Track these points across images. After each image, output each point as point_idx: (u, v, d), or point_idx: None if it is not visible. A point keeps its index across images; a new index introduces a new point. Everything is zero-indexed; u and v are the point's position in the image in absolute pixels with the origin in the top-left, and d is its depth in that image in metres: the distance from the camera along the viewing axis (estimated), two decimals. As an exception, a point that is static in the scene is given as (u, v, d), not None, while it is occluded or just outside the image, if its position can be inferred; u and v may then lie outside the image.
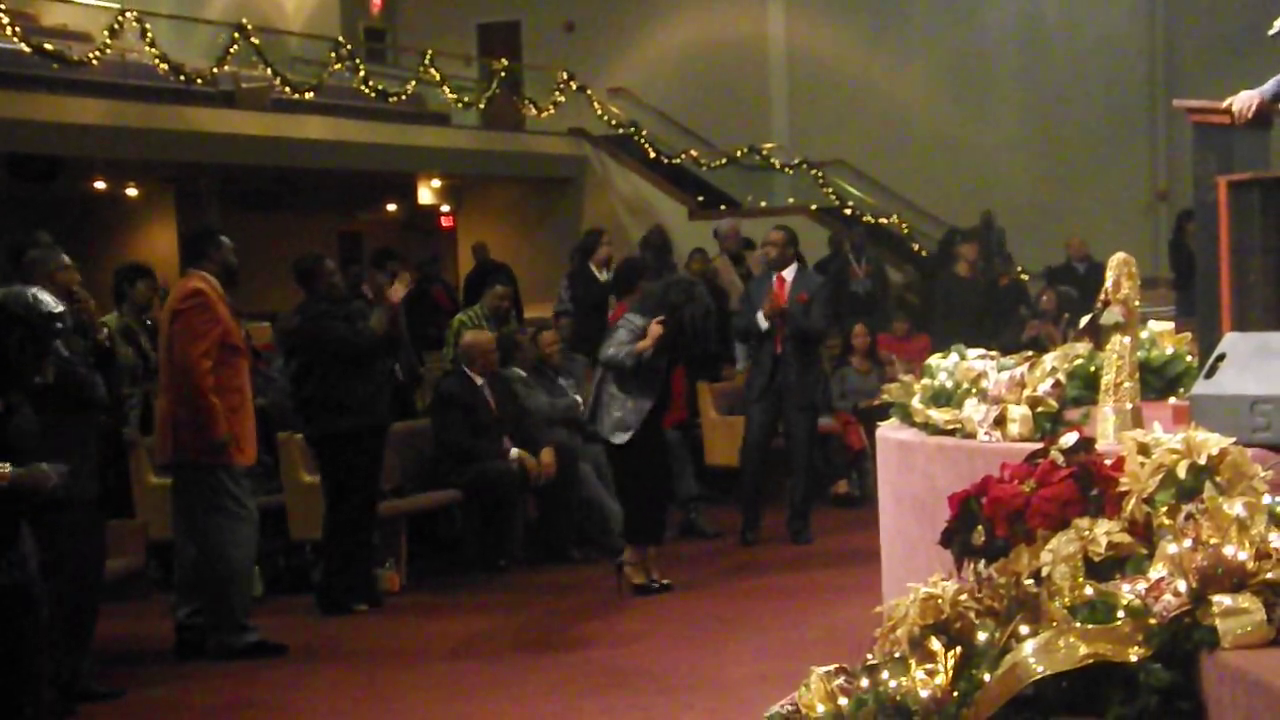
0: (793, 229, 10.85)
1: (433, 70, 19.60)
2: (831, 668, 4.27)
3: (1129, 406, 5.56)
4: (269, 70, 17.42)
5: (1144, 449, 4.13)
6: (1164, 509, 3.93)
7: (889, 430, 6.65)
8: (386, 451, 9.06)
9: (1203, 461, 3.96)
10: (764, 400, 10.12)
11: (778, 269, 10.27)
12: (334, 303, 8.77)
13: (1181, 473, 3.96)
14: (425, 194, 21.78)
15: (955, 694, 3.94)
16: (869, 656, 4.39)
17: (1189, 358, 6.47)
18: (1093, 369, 6.10)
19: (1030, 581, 4.03)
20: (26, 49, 15.24)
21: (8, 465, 5.30)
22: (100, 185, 19.27)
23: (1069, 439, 4.31)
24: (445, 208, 22.45)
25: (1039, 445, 5.58)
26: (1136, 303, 5.82)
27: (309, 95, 17.99)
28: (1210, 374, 5.33)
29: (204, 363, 7.55)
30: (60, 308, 5.67)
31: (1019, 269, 16.31)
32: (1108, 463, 4.18)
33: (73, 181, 18.19)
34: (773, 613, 8.23)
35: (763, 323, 10.02)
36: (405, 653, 7.81)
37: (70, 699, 6.89)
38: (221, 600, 7.71)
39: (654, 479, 8.89)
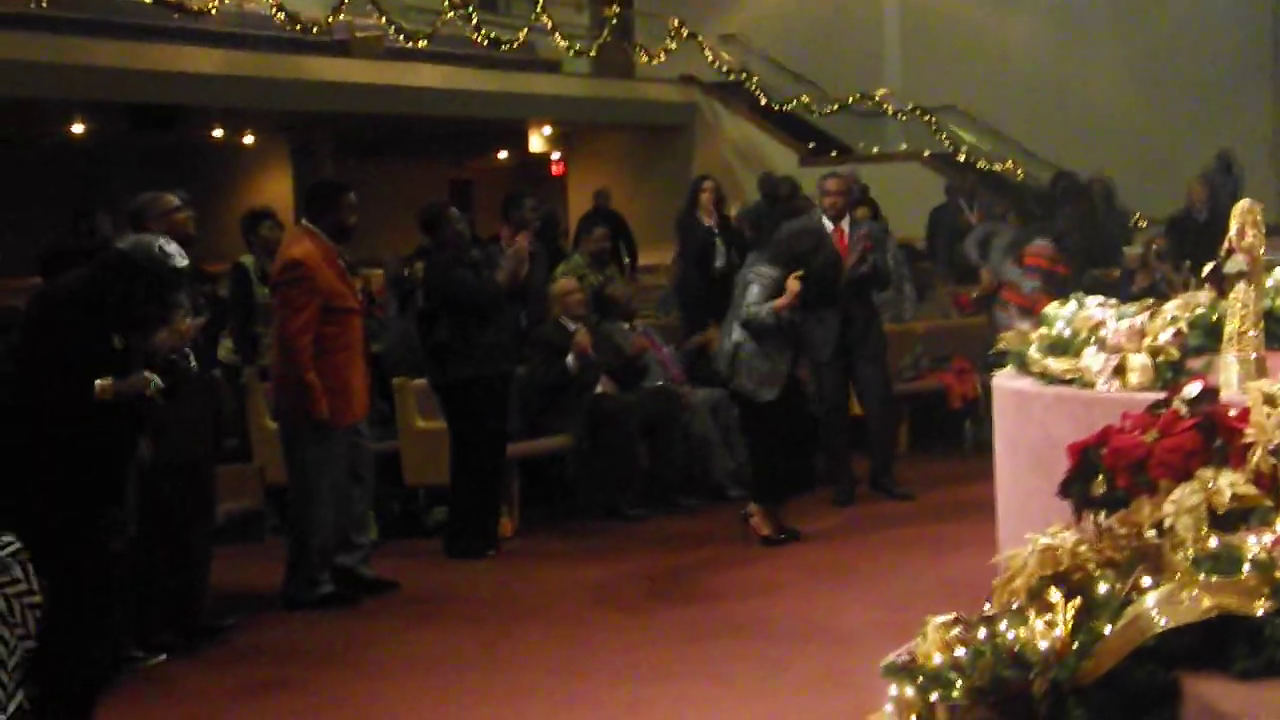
0: (853, 176, 10.51)
1: (544, 17, 19.59)
2: (948, 618, 4.24)
3: (1253, 356, 5.46)
4: (383, 19, 17.49)
5: (1270, 399, 4.05)
6: (1291, 460, 3.87)
7: (1005, 379, 6.58)
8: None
9: (1333, 412, 3.88)
10: (836, 360, 9.80)
11: (837, 221, 9.97)
12: (459, 250, 8.82)
13: (1309, 423, 3.88)
14: (536, 141, 21.81)
15: (1074, 645, 3.90)
16: (986, 607, 4.36)
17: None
18: (1215, 318, 5.99)
19: (1152, 533, 3.98)
20: (147, 0, 15.44)
21: (109, 379, 5.42)
22: (217, 134, 19.49)
23: (1193, 389, 4.24)
24: (556, 155, 22.47)
25: (1160, 395, 5.54)
26: (1261, 251, 5.72)
27: (422, 43, 18.05)
28: (1337, 323, 5.23)
29: (302, 338, 7.56)
30: (184, 260, 5.76)
31: (1136, 215, 16.02)
32: (1232, 413, 4.11)
33: (191, 130, 18.43)
34: (888, 564, 8.19)
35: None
36: (520, 599, 7.88)
37: (191, 639, 7.04)
38: (297, 553, 7.80)
39: (792, 435, 8.74)
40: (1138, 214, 16.19)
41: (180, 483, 6.97)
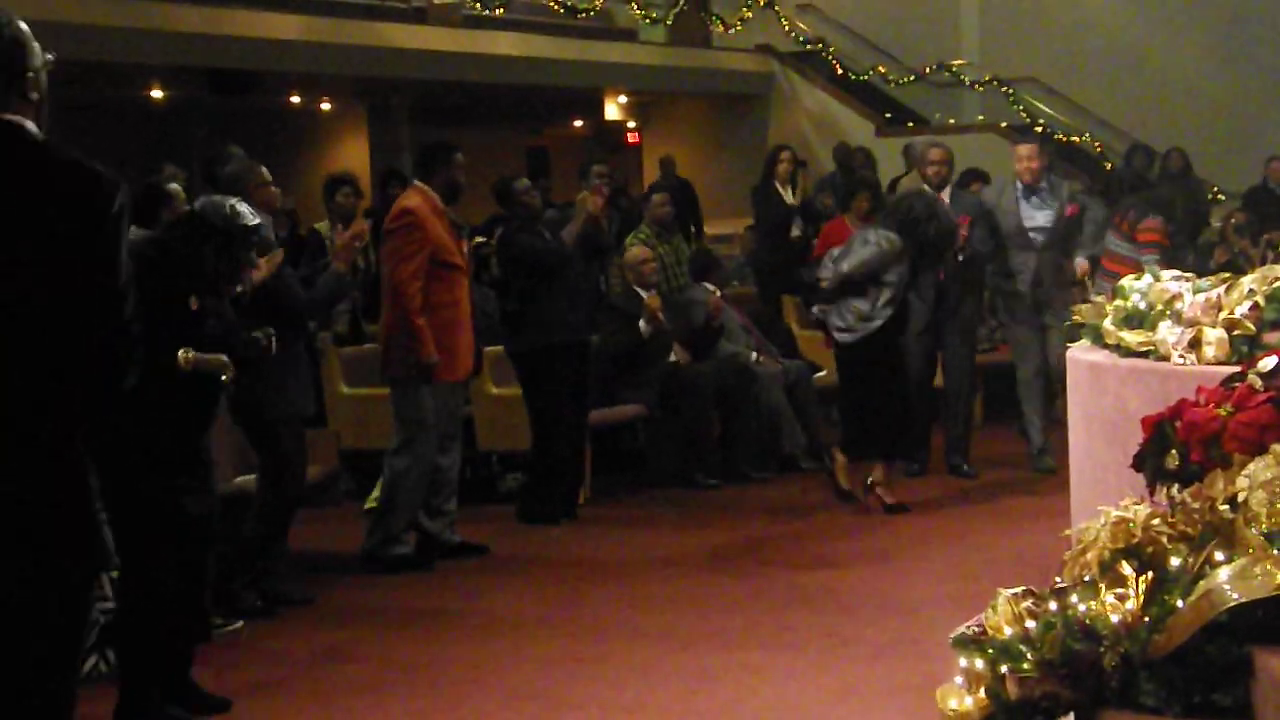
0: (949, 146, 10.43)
1: (621, -15, 19.58)
2: (1019, 590, 4.24)
3: (1330, 331, 5.42)
4: (460, -14, 17.54)
5: (1349, 375, 4.03)
6: (1368, 436, 3.84)
7: (1079, 352, 6.55)
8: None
9: None
10: (927, 333, 9.70)
11: (940, 189, 9.88)
12: (531, 218, 8.88)
13: (1386, 399, 3.85)
14: (612, 110, 21.81)
15: (1146, 619, 3.90)
16: (1057, 580, 4.36)
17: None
18: (1293, 292, 5.93)
19: (1225, 507, 3.96)
20: (226, -35, 15.54)
21: (191, 351, 5.50)
22: (295, 100, 19.61)
23: (1268, 363, 4.21)
24: (632, 124, 22.47)
25: (1235, 369, 5.50)
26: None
27: (499, 11, 18.09)
28: None
29: (412, 284, 7.66)
30: (257, 220, 5.83)
31: (1214, 189, 15.84)
32: (1309, 388, 4.08)
33: (269, 96, 18.54)
34: (959, 536, 8.19)
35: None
36: (592, 565, 7.94)
37: (269, 602, 7.14)
38: (385, 510, 7.88)
39: (900, 391, 8.81)
40: (1215, 188, 16.01)
41: (299, 435, 7.15)
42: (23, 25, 3.36)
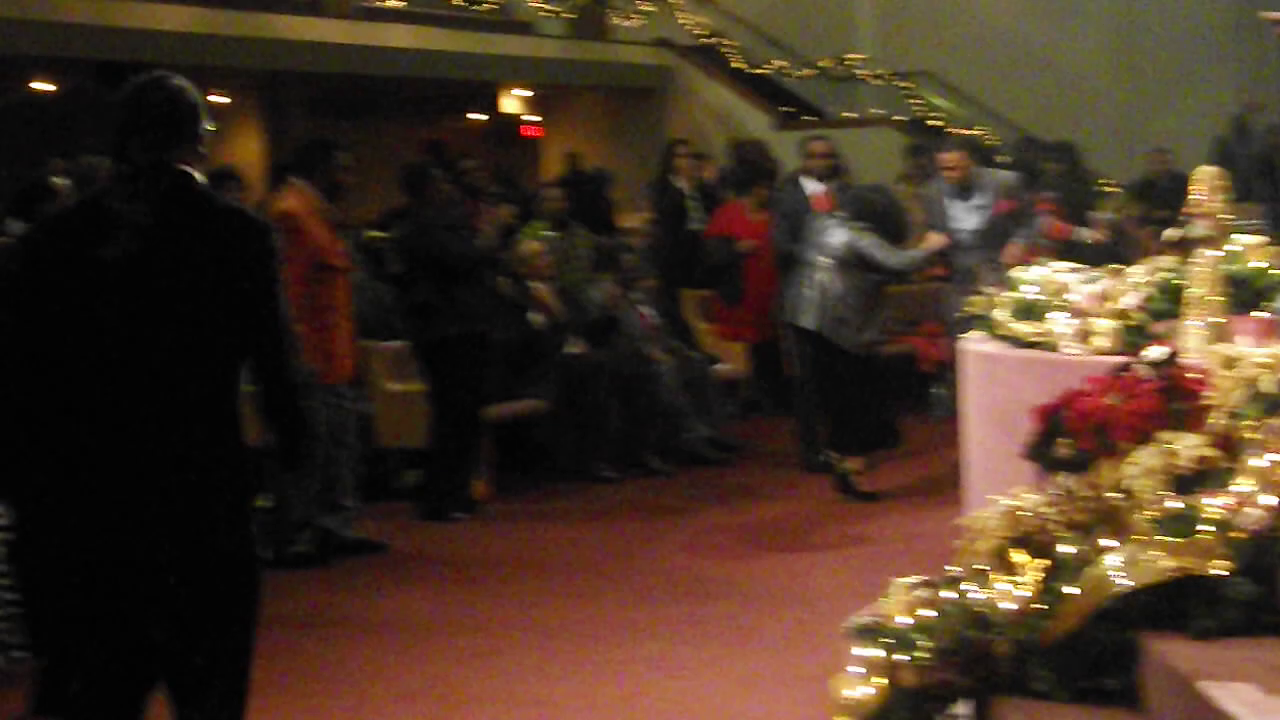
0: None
1: (518, -22, 19.51)
2: (914, 579, 4.29)
3: (1215, 320, 5.52)
4: (354, -23, 17.39)
5: (1230, 363, 4.11)
6: (1250, 423, 3.92)
7: (973, 343, 6.64)
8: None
9: (1291, 376, 3.93)
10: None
11: (824, 182, 10.06)
12: (442, 210, 8.81)
13: (1269, 386, 3.93)
14: (510, 103, 21.73)
15: (1038, 606, 3.96)
16: (949, 569, 4.41)
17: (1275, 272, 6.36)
18: (1178, 283, 6.03)
19: (1114, 494, 4.04)
20: (114, -44, 15.30)
21: None
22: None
23: (1154, 352, 4.29)
24: (529, 117, 22.40)
25: (1128, 360, 5.59)
26: (1223, 216, 5.77)
27: (394, 2, 17.96)
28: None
29: (289, 290, 7.52)
30: None
31: (1106, 181, 16.05)
32: (1192, 376, 4.16)
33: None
34: (854, 526, 8.25)
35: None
36: (494, 561, 7.90)
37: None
38: (277, 511, 7.79)
39: (876, 388, 8.96)
40: (1108, 180, 16.22)
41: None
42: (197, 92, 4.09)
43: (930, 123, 20.30)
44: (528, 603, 7.03)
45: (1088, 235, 11.41)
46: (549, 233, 10.80)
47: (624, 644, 6.29)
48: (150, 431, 3.81)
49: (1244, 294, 6.28)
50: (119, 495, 3.81)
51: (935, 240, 8.90)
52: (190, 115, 4.03)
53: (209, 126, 4.08)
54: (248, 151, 19.37)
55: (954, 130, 19.88)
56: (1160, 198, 13.47)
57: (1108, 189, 15.86)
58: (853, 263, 8.70)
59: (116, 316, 3.80)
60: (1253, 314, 6.06)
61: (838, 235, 8.78)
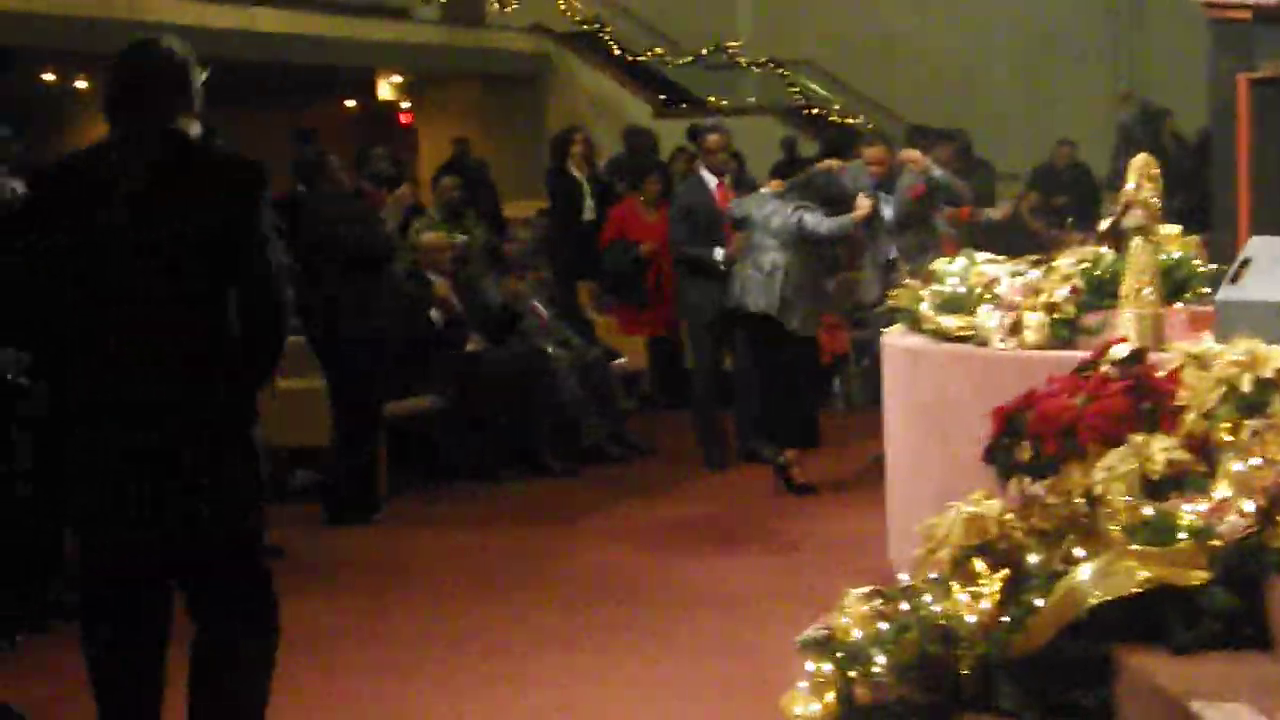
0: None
1: (392, -39, 19.13)
2: (867, 590, 4.07)
3: (1151, 313, 5.39)
4: (222, -41, 16.93)
5: (1200, 361, 3.94)
6: (1226, 425, 3.75)
7: (895, 337, 6.45)
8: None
9: (1269, 375, 3.76)
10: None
11: (720, 175, 9.85)
12: (344, 201, 8.45)
13: (1245, 386, 3.76)
14: (384, 89, 21.34)
15: (1004, 619, 3.76)
16: (902, 578, 4.20)
17: (1194, 262, 6.26)
18: (1107, 273, 5.89)
19: (1082, 501, 3.85)
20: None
21: None
22: (49, 77, 18.78)
23: (1121, 349, 4.11)
24: (404, 104, 22.02)
25: (1057, 353, 5.43)
26: (1157, 205, 5.65)
27: (266, -14, 17.51)
28: (1235, 279, 5.15)
29: None
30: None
31: (1000, 171, 16.10)
32: (1161, 375, 3.99)
33: (25, 73, 17.71)
34: (775, 527, 8.01)
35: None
36: (397, 568, 7.58)
37: (38, 615, 6.67)
38: None
39: (809, 378, 9.02)
40: (994, 168, 16.25)
41: None
42: (188, 48, 4.15)
43: (810, 111, 20.27)
44: (434, 612, 6.71)
45: (994, 213, 11.37)
46: (442, 224, 10.49)
47: (538, 653, 6.04)
48: (158, 375, 3.92)
49: (1165, 284, 6.19)
50: (130, 437, 3.96)
51: (864, 204, 8.74)
52: (179, 76, 4.08)
53: (201, 79, 4.15)
54: (114, 139, 18.74)
55: (834, 118, 19.88)
56: (1060, 187, 13.51)
57: (1005, 176, 15.90)
58: (795, 242, 8.66)
59: (116, 276, 3.91)
60: (1176, 305, 5.96)
61: (780, 215, 8.72)
